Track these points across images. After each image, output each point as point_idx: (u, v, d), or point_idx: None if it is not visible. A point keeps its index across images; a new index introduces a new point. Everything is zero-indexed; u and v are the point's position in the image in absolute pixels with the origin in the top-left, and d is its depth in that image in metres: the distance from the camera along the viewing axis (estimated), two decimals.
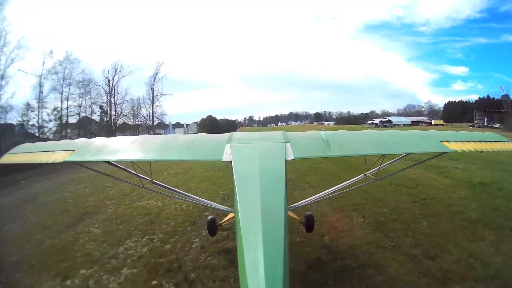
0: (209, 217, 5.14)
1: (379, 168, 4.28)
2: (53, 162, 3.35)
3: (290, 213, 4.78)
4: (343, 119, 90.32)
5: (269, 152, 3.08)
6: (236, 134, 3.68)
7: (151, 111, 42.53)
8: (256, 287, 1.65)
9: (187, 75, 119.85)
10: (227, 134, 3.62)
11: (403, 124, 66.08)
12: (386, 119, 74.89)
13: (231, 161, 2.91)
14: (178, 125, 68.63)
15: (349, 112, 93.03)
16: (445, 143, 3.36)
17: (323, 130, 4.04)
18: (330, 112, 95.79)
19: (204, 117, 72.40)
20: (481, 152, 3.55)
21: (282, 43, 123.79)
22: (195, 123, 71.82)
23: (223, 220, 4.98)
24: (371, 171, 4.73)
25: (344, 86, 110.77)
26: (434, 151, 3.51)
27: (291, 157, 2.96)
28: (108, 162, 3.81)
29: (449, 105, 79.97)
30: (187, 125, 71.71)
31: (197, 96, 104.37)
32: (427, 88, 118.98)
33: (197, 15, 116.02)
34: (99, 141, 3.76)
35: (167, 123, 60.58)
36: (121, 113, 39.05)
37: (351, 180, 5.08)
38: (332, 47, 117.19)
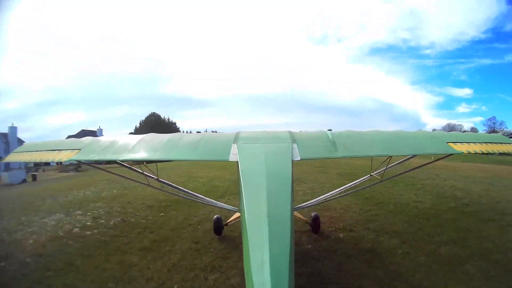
0: (215, 216, 5.17)
1: (385, 169, 4.26)
2: (58, 162, 3.34)
3: (296, 214, 4.76)
4: None
5: (275, 152, 3.04)
6: (242, 134, 3.62)
7: None
8: (261, 286, 1.64)
9: (194, 93, 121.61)
10: (233, 134, 3.58)
11: None
12: None
13: (237, 161, 2.87)
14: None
15: None
16: (451, 144, 3.34)
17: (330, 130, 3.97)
18: None
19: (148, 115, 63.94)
20: (487, 153, 3.58)
21: (287, 64, 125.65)
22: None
23: (229, 220, 4.99)
24: (377, 171, 4.69)
25: (348, 109, 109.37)
26: (440, 152, 3.48)
27: (297, 158, 2.93)
28: (115, 161, 3.78)
29: None
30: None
31: (202, 115, 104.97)
32: (431, 111, 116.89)
33: (204, 34, 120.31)
34: (105, 139, 3.75)
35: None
36: None
37: (357, 180, 5.06)
38: (337, 69, 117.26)
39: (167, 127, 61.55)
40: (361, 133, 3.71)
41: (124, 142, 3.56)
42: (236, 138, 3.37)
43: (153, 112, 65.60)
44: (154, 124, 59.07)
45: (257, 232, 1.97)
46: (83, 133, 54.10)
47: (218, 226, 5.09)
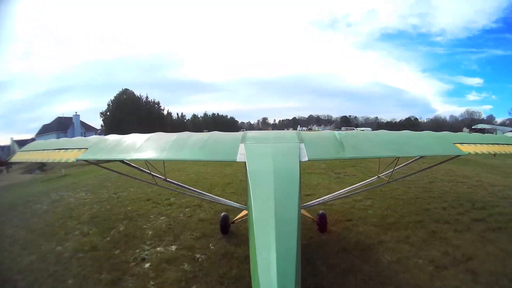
0: (222, 214, 5.13)
1: (393, 170, 4.27)
2: (66, 162, 3.32)
3: (304, 212, 4.78)
4: (389, 125, 74.48)
5: (283, 152, 3.05)
6: (250, 133, 3.66)
7: None
8: (268, 286, 1.64)
9: (205, 77, 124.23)
10: (241, 133, 3.64)
11: None
12: None
13: (245, 161, 2.88)
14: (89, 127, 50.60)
15: (376, 117, 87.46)
16: (459, 145, 3.34)
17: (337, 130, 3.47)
18: (356, 117, 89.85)
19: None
20: (494, 155, 3.52)
21: (297, 48, 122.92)
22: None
23: (236, 218, 4.97)
24: (384, 173, 4.71)
25: (356, 93, 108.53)
26: (447, 154, 3.47)
27: (305, 158, 2.93)
28: (122, 161, 3.76)
29: None
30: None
31: (212, 98, 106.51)
32: (441, 98, 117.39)
33: (212, 19, 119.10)
34: (112, 138, 3.74)
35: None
36: None
37: (365, 181, 5.08)
38: (346, 54, 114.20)
39: (147, 109, 49.05)
40: (369, 133, 3.76)
41: (131, 141, 3.55)
42: (243, 138, 3.39)
43: (125, 89, 50.76)
44: (125, 104, 46.94)
45: (264, 232, 1.98)
46: (59, 120, 50.68)
47: (225, 224, 5.03)
